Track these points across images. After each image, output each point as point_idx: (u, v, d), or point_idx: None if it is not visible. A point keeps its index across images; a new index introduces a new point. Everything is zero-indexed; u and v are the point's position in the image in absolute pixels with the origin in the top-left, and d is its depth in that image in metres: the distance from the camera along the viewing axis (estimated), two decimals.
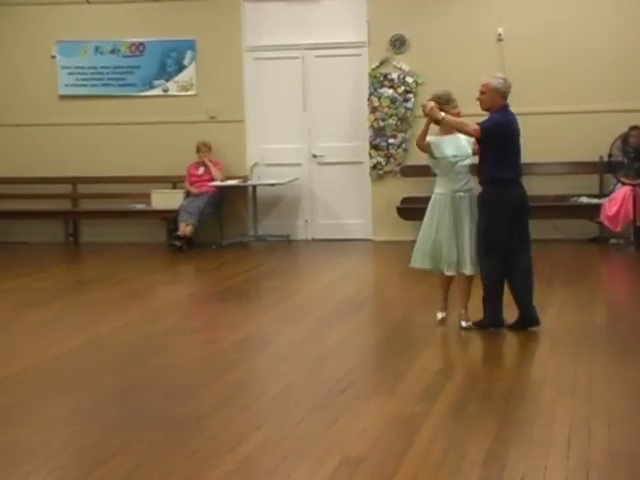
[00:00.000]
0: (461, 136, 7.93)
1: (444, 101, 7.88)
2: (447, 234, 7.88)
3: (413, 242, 12.99)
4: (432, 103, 7.78)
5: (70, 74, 14.13)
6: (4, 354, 7.58)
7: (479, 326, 7.78)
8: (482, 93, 7.78)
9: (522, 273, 7.74)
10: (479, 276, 7.83)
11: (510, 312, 7.77)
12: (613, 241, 12.49)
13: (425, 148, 7.96)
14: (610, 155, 12.42)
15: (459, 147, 7.95)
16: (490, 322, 7.75)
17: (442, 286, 8.13)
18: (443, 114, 7.71)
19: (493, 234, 7.63)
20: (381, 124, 13.28)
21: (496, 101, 7.72)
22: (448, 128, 7.88)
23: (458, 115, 7.90)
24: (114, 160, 13.98)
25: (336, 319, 8.52)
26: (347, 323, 8.31)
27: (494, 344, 7.41)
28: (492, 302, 7.76)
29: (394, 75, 13.28)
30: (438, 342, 7.66)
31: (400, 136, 13.26)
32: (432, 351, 7.32)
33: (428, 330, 8.03)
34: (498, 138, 7.64)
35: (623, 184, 12.29)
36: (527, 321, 7.75)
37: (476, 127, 7.65)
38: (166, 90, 13.93)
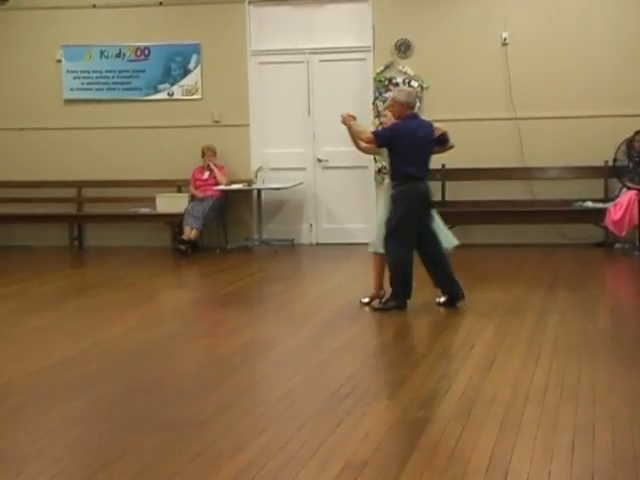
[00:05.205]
0: None
1: (387, 106, 9.42)
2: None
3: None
4: (344, 112, 9.05)
5: (75, 78, 14.16)
6: (7, 359, 7.57)
7: (384, 307, 8.84)
8: (392, 105, 8.99)
9: (438, 256, 8.83)
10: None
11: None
12: (618, 246, 12.47)
13: (368, 150, 9.38)
14: (615, 160, 12.42)
15: None
16: (401, 304, 8.78)
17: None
18: (353, 123, 8.98)
19: (406, 226, 8.66)
20: None
21: (402, 111, 8.75)
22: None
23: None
24: (119, 164, 14.00)
25: (339, 324, 8.50)
26: (350, 328, 8.30)
27: (497, 350, 7.39)
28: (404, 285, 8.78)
29: (399, 79, 13.28)
30: (441, 347, 7.64)
31: None
32: (435, 356, 7.29)
33: (431, 335, 8.02)
34: (396, 143, 8.68)
35: (628, 188, 12.27)
36: (453, 296, 8.83)
37: (369, 135, 8.88)
38: (171, 94, 13.94)
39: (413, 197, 8.74)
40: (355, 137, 9.12)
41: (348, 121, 9.00)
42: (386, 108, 9.25)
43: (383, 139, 8.82)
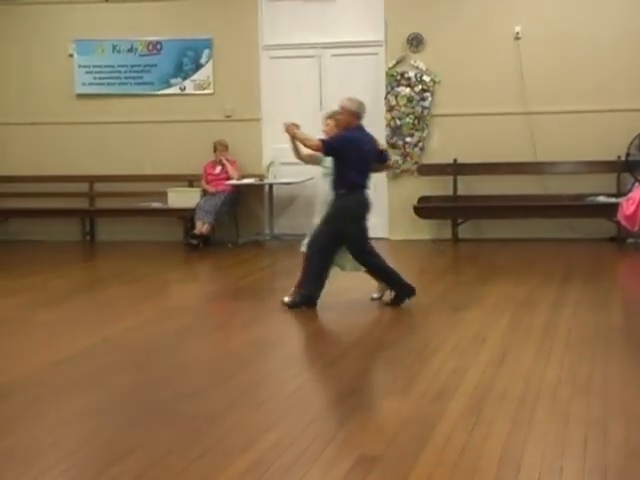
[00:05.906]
0: None
1: (330, 115, 9.01)
2: None
3: (429, 241, 13.10)
4: (288, 122, 8.86)
5: (87, 73, 14.16)
6: (19, 353, 7.58)
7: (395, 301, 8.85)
8: (340, 114, 8.79)
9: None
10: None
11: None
12: (630, 240, 12.43)
13: (309, 159, 9.25)
14: (628, 154, 12.38)
15: None
16: (410, 291, 8.86)
17: None
18: (297, 132, 8.78)
19: (345, 235, 8.86)
20: (398, 123, 13.25)
21: (351, 121, 8.68)
22: None
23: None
24: (131, 158, 14.00)
25: (349, 318, 8.50)
26: (360, 322, 8.30)
27: (509, 344, 7.37)
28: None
29: (411, 74, 13.25)
30: (453, 342, 7.61)
31: (417, 135, 13.22)
32: (447, 351, 7.28)
33: (442, 330, 8.00)
34: (343, 153, 8.60)
35: None
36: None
37: (317, 143, 8.62)
38: (183, 89, 13.94)
39: (361, 207, 8.86)
40: (300, 144, 8.93)
41: (292, 130, 8.82)
42: (329, 117, 8.98)
43: (330, 149, 8.67)
